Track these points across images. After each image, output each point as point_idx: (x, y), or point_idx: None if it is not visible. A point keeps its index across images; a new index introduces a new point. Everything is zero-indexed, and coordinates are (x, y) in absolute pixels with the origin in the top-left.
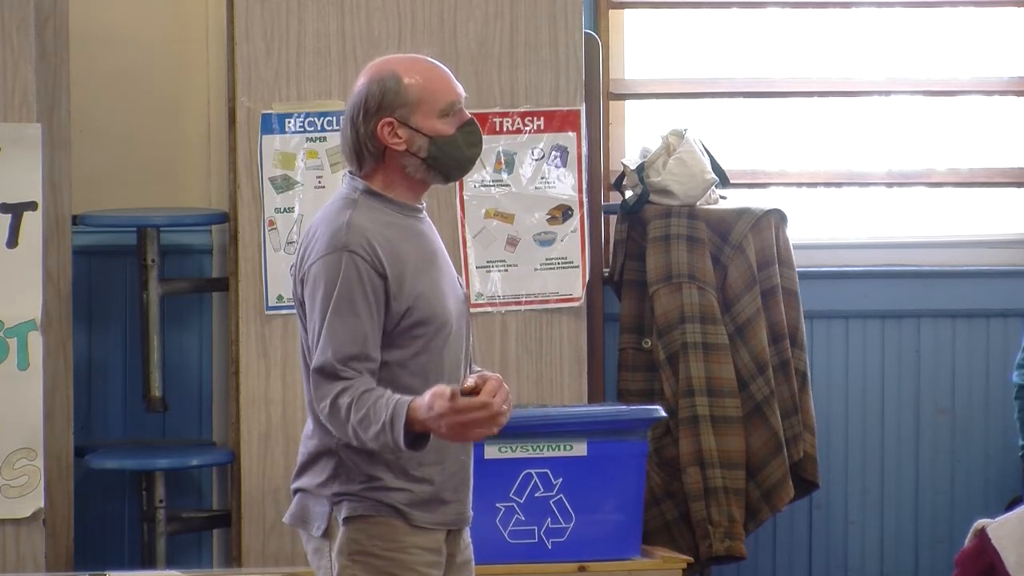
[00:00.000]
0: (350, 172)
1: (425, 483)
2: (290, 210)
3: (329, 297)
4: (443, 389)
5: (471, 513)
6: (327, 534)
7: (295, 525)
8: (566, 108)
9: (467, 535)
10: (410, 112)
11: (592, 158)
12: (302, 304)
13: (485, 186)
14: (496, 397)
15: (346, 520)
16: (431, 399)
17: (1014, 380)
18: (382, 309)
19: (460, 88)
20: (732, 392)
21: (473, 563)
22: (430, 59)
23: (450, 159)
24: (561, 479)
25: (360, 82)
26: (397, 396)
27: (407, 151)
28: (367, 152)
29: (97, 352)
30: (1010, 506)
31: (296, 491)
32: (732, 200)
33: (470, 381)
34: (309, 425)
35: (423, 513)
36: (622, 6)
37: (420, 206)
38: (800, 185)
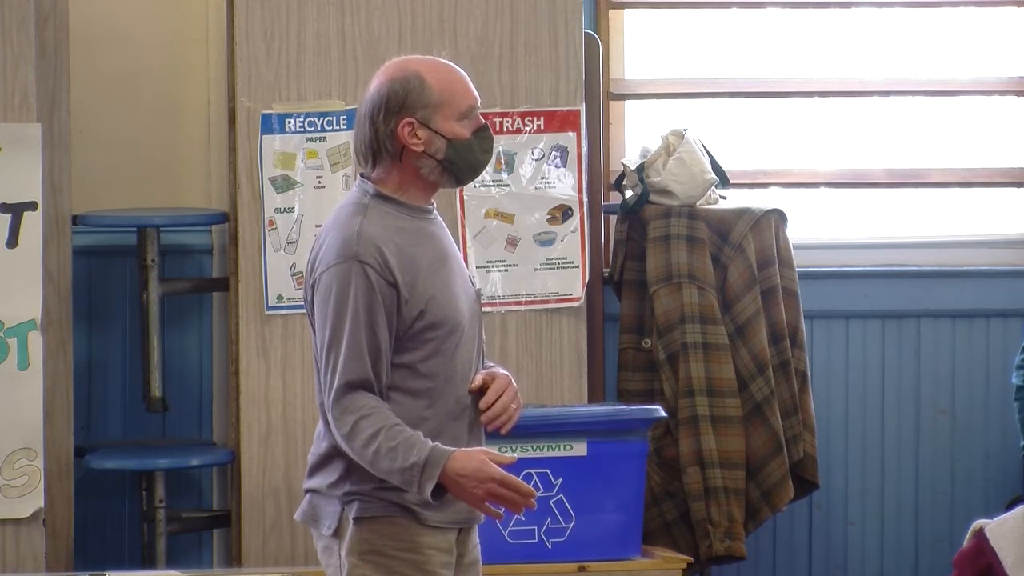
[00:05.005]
0: (361, 175)
1: None
2: (290, 210)
3: (340, 308)
4: (494, 457)
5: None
6: (337, 533)
7: (305, 523)
8: (566, 108)
9: (475, 535)
10: (431, 114)
11: (592, 158)
12: (312, 309)
13: (485, 186)
14: (504, 396)
15: (357, 520)
16: (480, 460)
17: (1013, 381)
18: (393, 319)
19: (476, 93)
20: (732, 392)
21: (480, 563)
22: (449, 62)
23: (464, 163)
24: (561, 479)
25: (379, 80)
26: (432, 442)
27: (424, 152)
28: (384, 151)
29: (97, 352)
30: (1010, 506)
31: (307, 491)
32: (732, 200)
33: (477, 380)
34: (321, 426)
35: (434, 512)
36: (622, 6)
37: (431, 207)
38: (800, 185)
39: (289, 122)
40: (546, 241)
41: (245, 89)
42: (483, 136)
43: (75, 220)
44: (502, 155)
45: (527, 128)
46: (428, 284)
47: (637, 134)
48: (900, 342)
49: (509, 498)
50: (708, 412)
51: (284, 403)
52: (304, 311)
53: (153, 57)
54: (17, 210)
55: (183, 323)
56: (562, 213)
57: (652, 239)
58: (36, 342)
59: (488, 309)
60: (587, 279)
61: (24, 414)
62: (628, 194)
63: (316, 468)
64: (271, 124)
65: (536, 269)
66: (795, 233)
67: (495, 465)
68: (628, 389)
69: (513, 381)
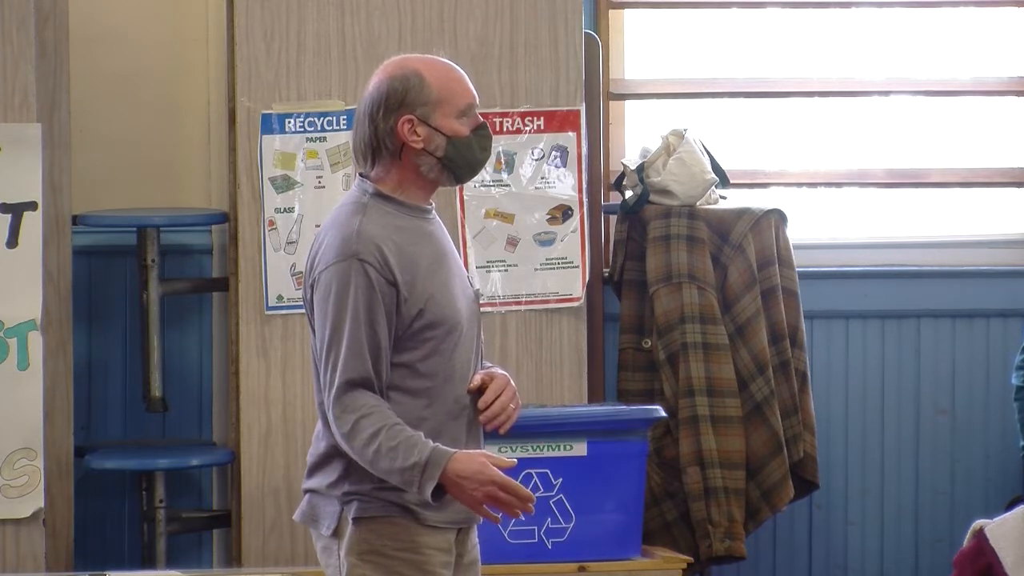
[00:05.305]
0: (360, 174)
1: None
2: (290, 210)
3: (340, 307)
4: (495, 460)
5: None
6: (336, 533)
7: (305, 523)
8: (566, 108)
9: (475, 535)
10: (431, 111)
11: (592, 158)
12: (312, 307)
13: (485, 186)
14: (503, 396)
15: (356, 520)
16: (481, 463)
17: (1013, 381)
18: (393, 317)
19: (475, 91)
20: (732, 392)
21: (479, 563)
22: (448, 60)
23: (464, 160)
24: (561, 479)
25: (379, 78)
26: (433, 442)
27: (424, 150)
28: (384, 149)
29: (97, 352)
30: (1010, 506)
31: (306, 491)
32: (732, 200)
33: (476, 379)
34: (320, 426)
35: (433, 512)
36: (622, 6)
37: (429, 206)
38: (800, 185)
39: (289, 122)
40: (546, 241)
41: (245, 89)
42: (482, 134)
43: (75, 220)
44: (502, 155)
45: (527, 128)
46: (427, 283)
47: (637, 134)
48: (900, 342)
49: (508, 502)
50: (708, 412)
51: (284, 403)
52: (304, 311)
53: (153, 57)
54: (17, 210)
55: (183, 323)
56: (562, 213)
57: (652, 239)
58: (36, 342)
59: (488, 309)
60: (587, 279)
61: (24, 414)
62: (628, 194)
63: (315, 468)
64: (271, 124)
65: (536, 269)
66: (795, 233)
67: (495, 468)
68: (628, 389)
69: (512, 381)
